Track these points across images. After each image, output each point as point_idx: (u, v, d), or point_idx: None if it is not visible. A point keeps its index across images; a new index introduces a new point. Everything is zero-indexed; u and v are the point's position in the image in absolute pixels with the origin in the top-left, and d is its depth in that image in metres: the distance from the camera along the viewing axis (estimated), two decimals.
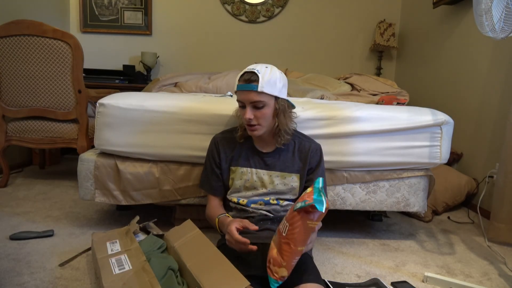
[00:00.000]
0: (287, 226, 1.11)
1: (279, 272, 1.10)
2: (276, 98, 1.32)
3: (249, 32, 3.89)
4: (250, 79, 1.27)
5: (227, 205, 1.47)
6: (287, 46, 3.91)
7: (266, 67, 1.31)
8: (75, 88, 2.41)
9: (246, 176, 1.40)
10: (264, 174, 1.40)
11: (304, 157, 1.42)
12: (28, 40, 2.34)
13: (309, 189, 1.13)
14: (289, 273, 1.11)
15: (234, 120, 1.56)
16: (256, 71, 1.27)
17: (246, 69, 1.31)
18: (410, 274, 1.52)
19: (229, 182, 1.44)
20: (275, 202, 1.40)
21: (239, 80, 1.30)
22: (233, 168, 1.43)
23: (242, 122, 1.40)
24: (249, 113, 1.29)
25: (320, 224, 1.16)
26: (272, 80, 1.29)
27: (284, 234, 1.11)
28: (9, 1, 2.86)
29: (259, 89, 1.27)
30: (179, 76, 2.67)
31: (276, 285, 1.11)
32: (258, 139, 1.42)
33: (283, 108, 1.34)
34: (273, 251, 1.14)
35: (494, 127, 2.30)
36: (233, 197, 1.43)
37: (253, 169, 1.40)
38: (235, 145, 1.44)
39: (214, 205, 1.45)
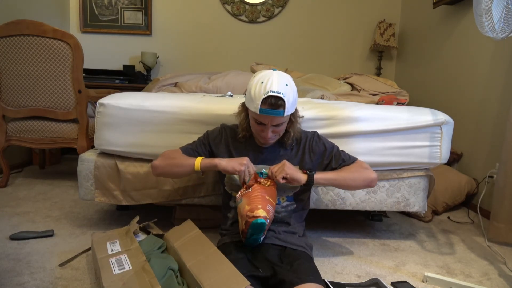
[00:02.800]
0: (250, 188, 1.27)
1: (260, 213, 1.17)
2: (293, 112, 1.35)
3: (249, 32, 3.89)
4: (277, 104, 1.24)
5: (227, 205, 1.47)
6: (287, 46, 3.91)
7: (286, 85, 1.26)
8: (75, 88, 2.41)
9: None
10: (264, 168, 1.40)
11: (302, 147, 1.44)
12: (28, 40, 2.34)
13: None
14: (269, 216, 1.19)
15: (234, 120, 1.56)
16: (281, 96, 1.23)
17: (269, 92, 1.22)
18: (410, 274, 1.52)
19: (226, 176, 1.44)
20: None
21: (262, 103, 1.23)
22: None
23: (243, 123, 1.41)
24: (270, 134, 1.31)
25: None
26: (294, 100, 1.30)
27: (250, 190, 1.25)
28: (9, 1, 2.86)
29: (285, 114, 1.27)
30: (179, 76, 2.67)
31: (266, 222, 1.17)
32: None
33: (295, 118, 1.39)
34: (244, 208, 1.20)
35: (494, 127, 2.30)
36: (235, 193, 1.42)
37: (254, 165, 1.40)
38: (237, 139, 1.45)
39: (181, 152, 1.44)
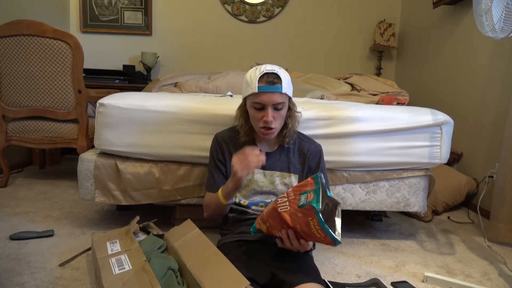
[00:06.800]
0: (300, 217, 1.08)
1: (261, 226, 1.18)
2: (290, 98, 1.36)
3: (249, 32, 3.89)
4: (274, 81, 1.27)
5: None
6: (287, 46, 3.91)
7: (280, 68, 1.31)
8: (75, 88, 2.41)
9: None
10: (265, 174, 1.40)
11: (302, 158, 1.43)
12: (28, 40, 2.34)
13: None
14: (267, 233, 1.18)
15: (233, 121, 1.56)
16: (277, 72, 1.28)
17: (264, 70, 1.28)
18: (410, 274, 1.53)
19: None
20: None
21: (260, 82, 1.27)
22: None
23: (244, 126, 1.39)
24: (270, 115, 1.28)
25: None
26: (288, 81, 1.33)
27: (296, 207, 1.08)
28: (9, 1, 2.86)
29: (283, 91, 1.28)
30: (179, 76, 2.67)
31: (254, 231, 1.21)
32: (262, 140, 1.42)
33: (293, 106, 1.39)
34: (264, 210, 1.20)
35: (493, 127, 2.30)
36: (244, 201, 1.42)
37: (255, 169, 1.40)
38: (238, 144, 1.43)
39: (211, 196, 1.43)
